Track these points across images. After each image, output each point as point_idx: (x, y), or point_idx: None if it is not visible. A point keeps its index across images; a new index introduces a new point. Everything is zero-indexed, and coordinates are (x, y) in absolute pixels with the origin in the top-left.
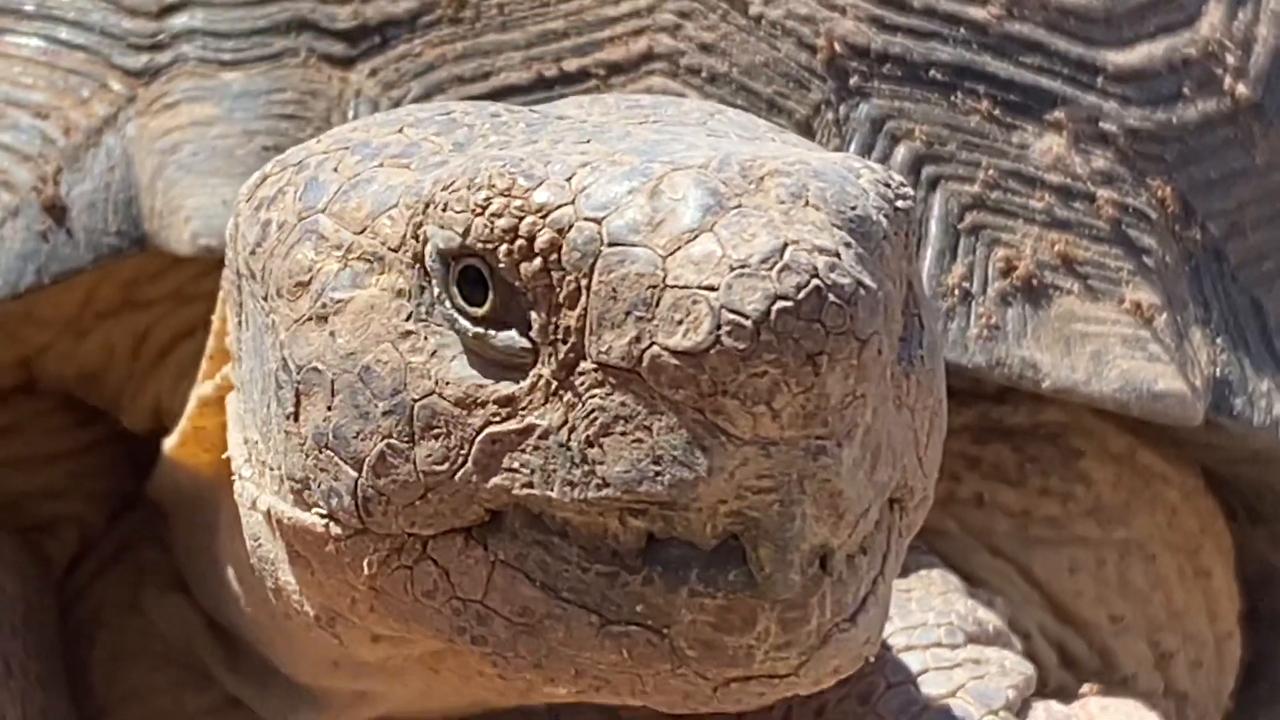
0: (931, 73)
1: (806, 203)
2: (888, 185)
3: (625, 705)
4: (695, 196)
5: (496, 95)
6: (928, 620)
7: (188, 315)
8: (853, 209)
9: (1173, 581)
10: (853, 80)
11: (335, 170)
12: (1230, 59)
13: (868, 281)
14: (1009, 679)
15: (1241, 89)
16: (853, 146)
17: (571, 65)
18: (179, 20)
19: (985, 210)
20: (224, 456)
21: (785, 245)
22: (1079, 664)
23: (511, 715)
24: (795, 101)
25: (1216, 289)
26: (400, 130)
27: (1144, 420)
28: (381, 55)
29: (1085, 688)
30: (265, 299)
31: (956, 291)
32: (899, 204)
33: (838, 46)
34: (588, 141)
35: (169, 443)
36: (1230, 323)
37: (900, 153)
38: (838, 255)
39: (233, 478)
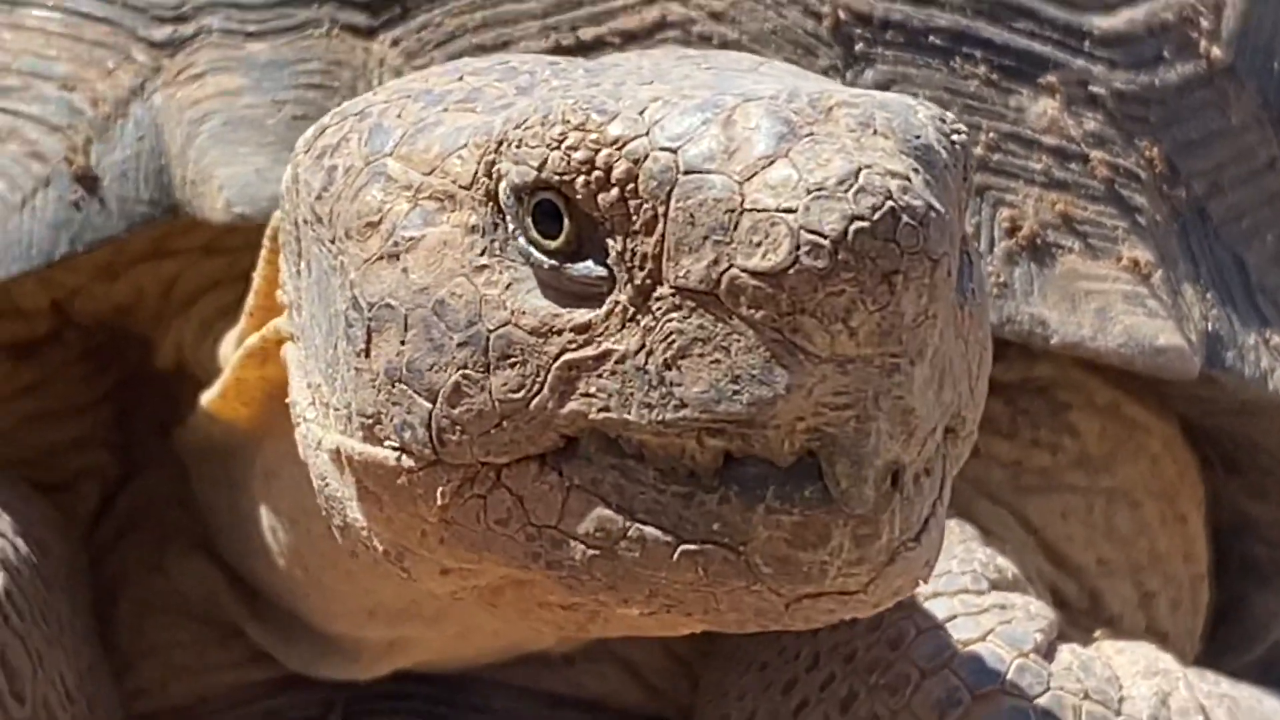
0: (931, 38)
1: (875, 131)
2: (943, 120)
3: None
4: (768, 125)
5: None
6: (952, 568)
7: (213, 268)
8: (918, 138)
9: (1154, 526)
10: (858, 46)
11: (399, 116)
12: (1204, 22)
13: (937, 205)
14: (1036, 623)
15: (1216, 51)
16: None
17: (588, 34)
18: None
19: (989, 172)
20: (262, 410)
21: (859, 169)
22: (1069, 605)
23: (528, 664)
24: (804, 68)
25: (1203, 246)
26: (461, 79)
27: (1139, 374)
28: (403, 25)
29: (1098, 633)
30: (333, 241)
31: None
32: (954, 138)
33: (842, 14)
34: (651, 83)
35: (207, 395)
36: (1217, 279)
37: None
38: (909, 179)
39: (296, 422)
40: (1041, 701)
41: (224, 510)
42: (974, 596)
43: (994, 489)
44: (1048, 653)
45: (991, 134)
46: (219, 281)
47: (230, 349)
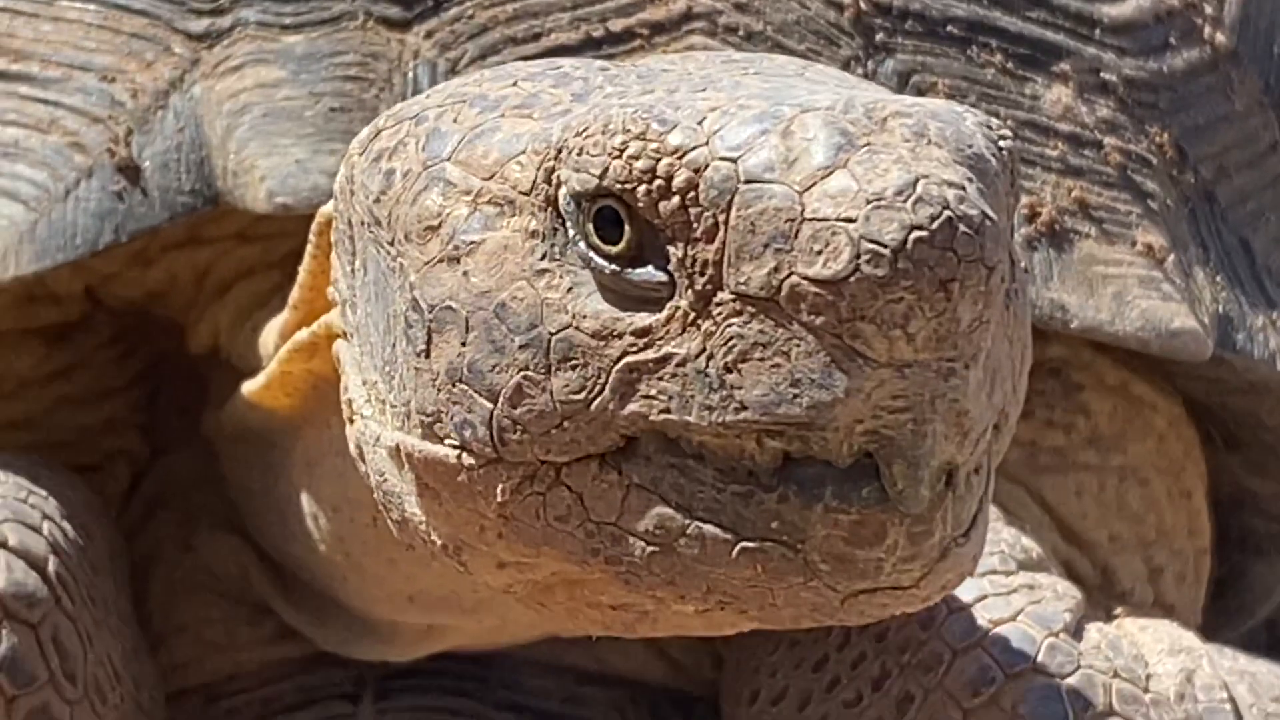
0: (949, 28)
1: (929, 141)
2: (990, 127)
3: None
4: (826, 136)
5: (548, 55)
6: None
7: (247, 255)
8: (970, 147)
9: (1162, 502)
10: (878, 36)
11: (455, 121)
12: (1208, 8)
13: (991, 213)
14: (1064, 602)
15: (1220, 37)
16: None
17: (617, 25)
18: None
19: None
20: (306, 401)
21: (917, 179)
22: (1083, 581)
23: (556, 641)
24: (827, 58)
25: (1211, 230)
26: (515, 84)
27: (1151, 355)
28: (436, 18)
29: (1119, 610)
30: (391, 244)
31: None
32: (1002, 144)
33: (863, 4)
34: (703, 90)
35: (249, 385)
36: (1225, 262)
37: None
38: (964, 188)
39: (350, 419)
40: (1072, 680)
41: (258, 494)
42: (1003, 577)
43: (1011, 468)
44: (1076, 632)
45: (1009, 122)
46: (253, 268)
47: (272, 339)
